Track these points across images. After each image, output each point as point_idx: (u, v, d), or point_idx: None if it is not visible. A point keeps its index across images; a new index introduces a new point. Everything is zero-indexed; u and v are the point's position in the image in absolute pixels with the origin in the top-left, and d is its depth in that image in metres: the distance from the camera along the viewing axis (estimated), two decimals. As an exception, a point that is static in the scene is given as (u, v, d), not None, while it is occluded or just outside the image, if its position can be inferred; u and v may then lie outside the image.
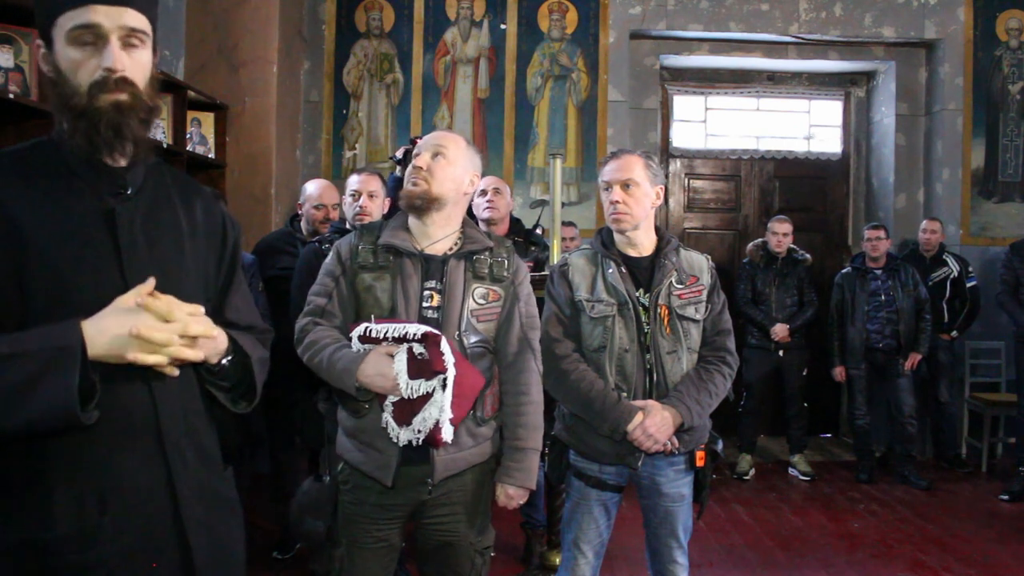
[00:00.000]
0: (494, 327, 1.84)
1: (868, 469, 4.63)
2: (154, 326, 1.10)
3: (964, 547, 3.57)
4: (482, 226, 3.31)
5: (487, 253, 1.86)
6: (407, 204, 1.83)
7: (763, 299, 4.67)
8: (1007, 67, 5.23)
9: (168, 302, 1.12)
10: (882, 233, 4.60)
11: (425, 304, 1.78)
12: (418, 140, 3.60)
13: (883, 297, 4.54)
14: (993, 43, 5.22)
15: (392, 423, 1.69)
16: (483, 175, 3.56)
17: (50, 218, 1.15)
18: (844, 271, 4.77)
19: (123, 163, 1.22)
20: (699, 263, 2.16)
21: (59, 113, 1.17)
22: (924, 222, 4.89)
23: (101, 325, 1.09)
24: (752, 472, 4.69)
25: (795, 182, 5.70)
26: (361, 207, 2.78)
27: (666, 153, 5.56)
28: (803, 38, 5.18)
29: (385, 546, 1.83)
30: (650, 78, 5.30)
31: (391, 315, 1.75)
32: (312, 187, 3.30)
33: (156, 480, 1.19)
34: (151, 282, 1.12)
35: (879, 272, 4.58)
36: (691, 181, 5.67)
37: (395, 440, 1.69)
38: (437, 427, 1.67)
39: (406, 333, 1.66)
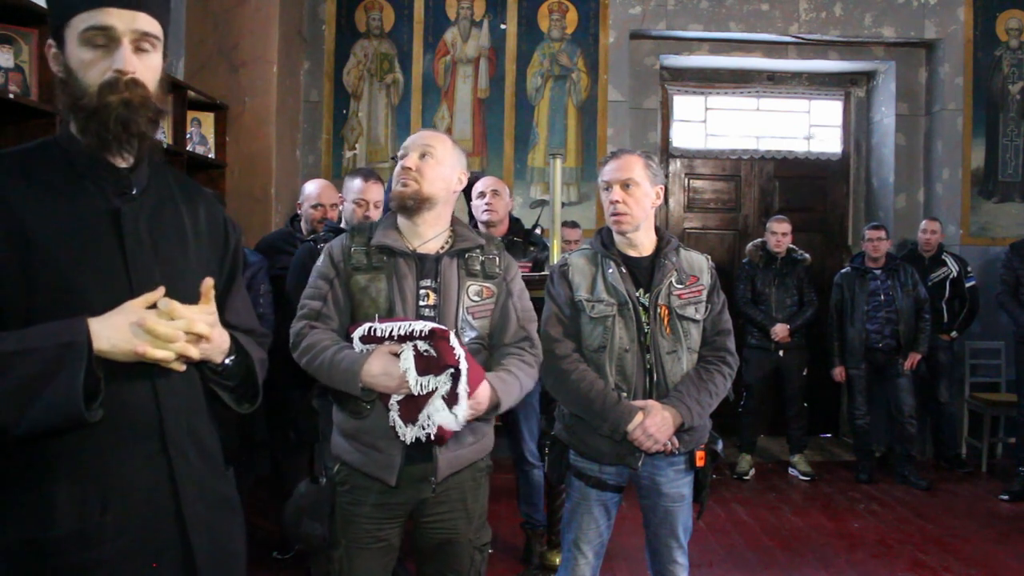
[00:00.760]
0: (488, 323, 1.86)
1: (868, 469, 4.63)
2: (160, 320, 1.11)
3: (964, 547, 3.57)
4: (482, 228, 3.31)
5: (478, 250, 1.88)
6: (398, 205, 1.83)
7: (763, 299, 4.67)
8: (1007, 67, 5.23)
9: (173, 301, 1.13)
10: (882, 233, 4.60)
11: (422, 303, 1.79)
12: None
13: (882, 297, 4.54)
14: (993, 43, 5.22)
15: (399, 422, 1.68)
16: (483, 175, 3.59)
17: (55, 218, 1.15)
18: (843, 271, 4.78)
19: (128, 164, 1.22)
20: (699, 263, 2.16)
21: (68, 113, 1.18)
22: (923, 222, 4.89)
23: (108, 322, 1.09)
24: (752, 472, 4.69)
25: (795, 182, 5.70)
26: (367, 217, 2.79)
27: (666, 153, 5.56)
28: (803, 38, 5.18)
29: (384, 546, 1.83)
30: (650, 78, 5.30)
31: (389, 315, 1.75)
32: (311, 187, 3.31)
33: (158, 479, 1.20)
34: (161, 290, 1.13)
35: (878, 272, 4.58)
36: (691, 181, 5.67)
37: (403, 439, 1.69)
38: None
39: (412, 330, 1.66)
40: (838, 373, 4.71)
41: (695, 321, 2.09)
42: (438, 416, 1.66)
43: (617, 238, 2.14)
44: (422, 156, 1.83)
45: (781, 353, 4.63)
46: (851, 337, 4.60)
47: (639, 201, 2.08)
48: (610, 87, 5.04)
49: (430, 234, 1.85)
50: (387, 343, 1.69)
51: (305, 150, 4.95)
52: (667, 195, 5.45)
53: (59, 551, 1.12)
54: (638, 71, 5.24)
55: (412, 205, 1.81)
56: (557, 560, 2.67)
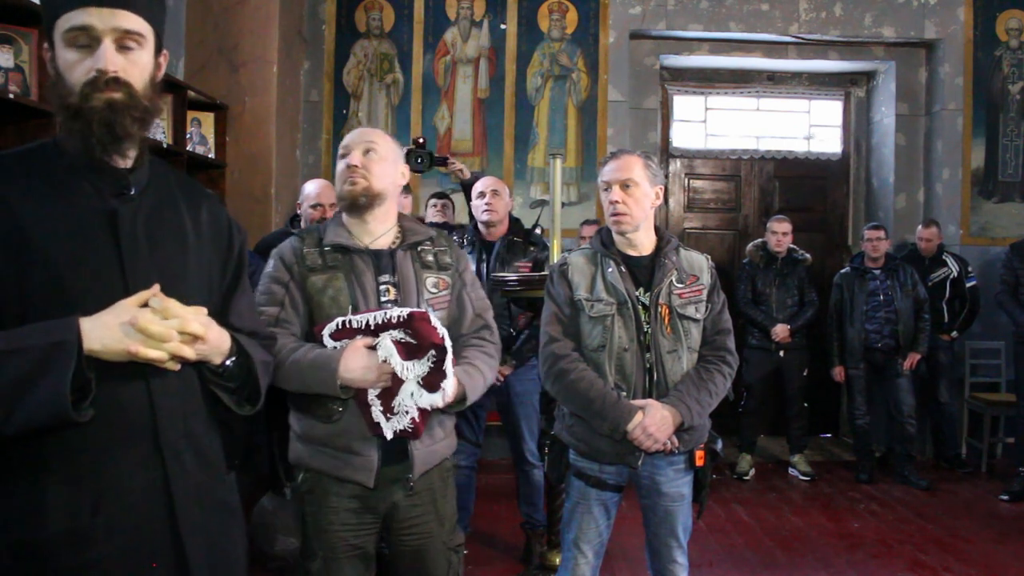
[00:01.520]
0: (447, 315, 1.85)
1: (868, 469, 4.63)
2: (153, 319, 1.10)
3: (964, 547, 3.57)
4: (482, 228, 3.32)
5: (429, 243, 1.88)
6: (349, 204, 1.81)
7: (763, 299, 4.67)
8: (1007, 67, 5.23)
9: (167, 300, 1.13)
10: (882, 233, 4.60)
11: (384, 299, 1.77)
12: (420, 141, 3.63)
13: (882, 297, 4.53)
14: (993, 43, 5.22)
15: (382, 417, 1.67)
16: (483, 175, 3.59)
17: (52, 218, 1.15)
18: (843, 271, 4.77)
19: (127, 164, 1.22)
20: (699, 263, 2.16)
21: (57, 113, 1.18)
22: (919, 229, 4.86)
23: (99, 321, 1.09)
24: (752, 472, 4.69)
25: (795, 182, 5.70)
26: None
27: (666, 153, 5.56)
28: (803, 38, 5.18)
29: (361, 554, 1.80)
30: (650, 78, 5.30)
31: (351, 313, 1.73)
32: (311, 187, 3.30)
33: (151, 482, 1.19)
34: (155, 288, 1.13)
35: (878, 272, 4.58)
36: (691, 181, 5.67)
37: (385, 434, 1.67)
38: (421, 411, 1.69)
39: (389, 318, 1.65)
40: (837, 373, 4.71)
41: (695, 320, 2.09)
42: (422, 400, 1.66)
43: (617, 238, 2.14)
44: (366, 152, 1.82)
45: (782, 353, 4.62)
46: (850, 337, 4.60)
47: (639, 201, 2.08)
48: (610, 87, 5.04)
49: (380, 230, 1.84)
50: (359, 337, 1.67)
51: (305, 150, 4.95)
52: (667, 195, 5.45)
53: (51, 552, 1.11)
54: (638, 71, 5.24)
55: (364, 202, 1.79)
56: (557, 560, 2.67)
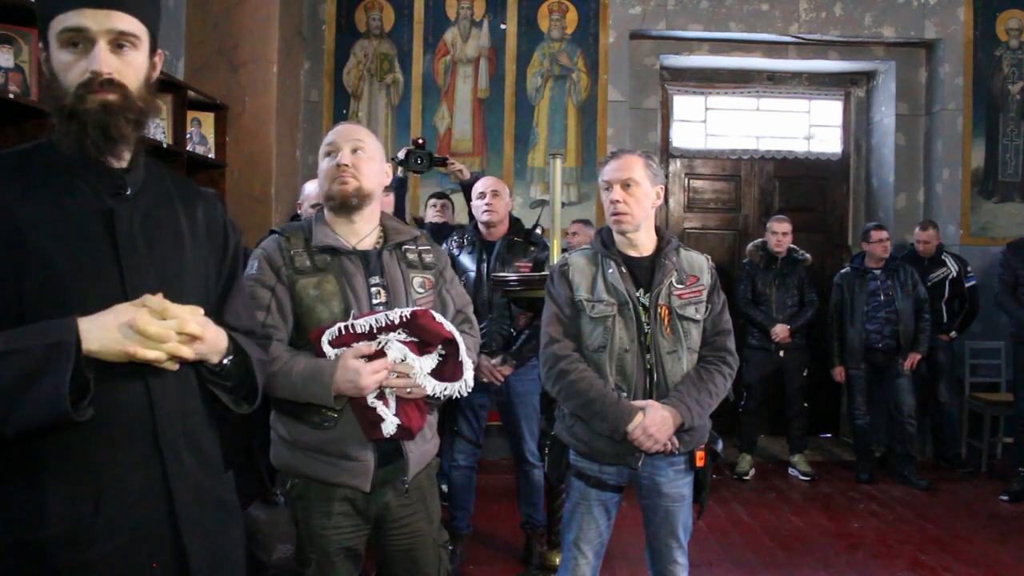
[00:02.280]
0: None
1: (868, 469, 4.63)
2: (151, 320, 1.10)
3: (964, 547, 3.57)
4: (482, 228, 3.32)
5: (413, 242, 1.86)
6: (340, 204, 1.76)
7: (763, 299, 4.67)
8: (1007, 67, 5.23)
9: (165, 301, 1.13)
10: (886, 234, 4.60)
11: (375, 301, 1.73)
12: (420, 142, 3.62)
13: (882, 297, 4.53)
14: (993, 43, 5.22)
15: (388, 413, 1.66)
16: (483, 175, 3.59)
17: (49, 218, 1.15)
18: (843, 271, 4.77)
19: (123, 164, 1.22)
20: (699, 263, 2.16)
21: (52, 115, 1.18)
22: (917, 231, 4.84)
23: (98, 321, 1.09)
24: (752, 472, 4.69)
25: (795, 182, 5.70)
26: None
27: (666, 153, 5.56)
28: (803, 38, 5.18)
29: (354, 555, 1.80)
30: (650, 78, 5.30)
31: (345, 317, 1.69)
32: (311, 187, 3.29)
33: (151, 481, 1.19)
34: (158, 296, 1.13)
35: (878, 272, 4.57)
36: (691, 181, 5.67)
37: (388, 432, 1.66)
38: (414, 409, 1.69)
39: (392, 320, 1.63)
40: (838, 373, 4.70)
41: (695, 321, 2.09)
42: (446, 390, 1.67)
43: (617, 238, 2.14)
44: (354, 151, 1.78)
45: (782, 353, 4.62)
46: (851, 337, 4.60)
47: (639, 201, 2.08)
48: (610, 87, 5.04)
49: (366, 230, 1.81)
50: (362, 343, 1.64)
51: (305, 150, 4.95)
52: (667, 195, 5.44)
53: (51, 552, 1.11)
54: (638, 71, 5.24)
55: (355, 203, 1.76)
56: (557, 560, 2.67)
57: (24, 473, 1.13)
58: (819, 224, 5.72)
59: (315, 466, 1.72)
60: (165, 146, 3.54)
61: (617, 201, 2.07)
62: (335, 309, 1.70)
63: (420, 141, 3.63)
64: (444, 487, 3.44)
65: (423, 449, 1.80)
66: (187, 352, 1.14)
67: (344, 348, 1.64)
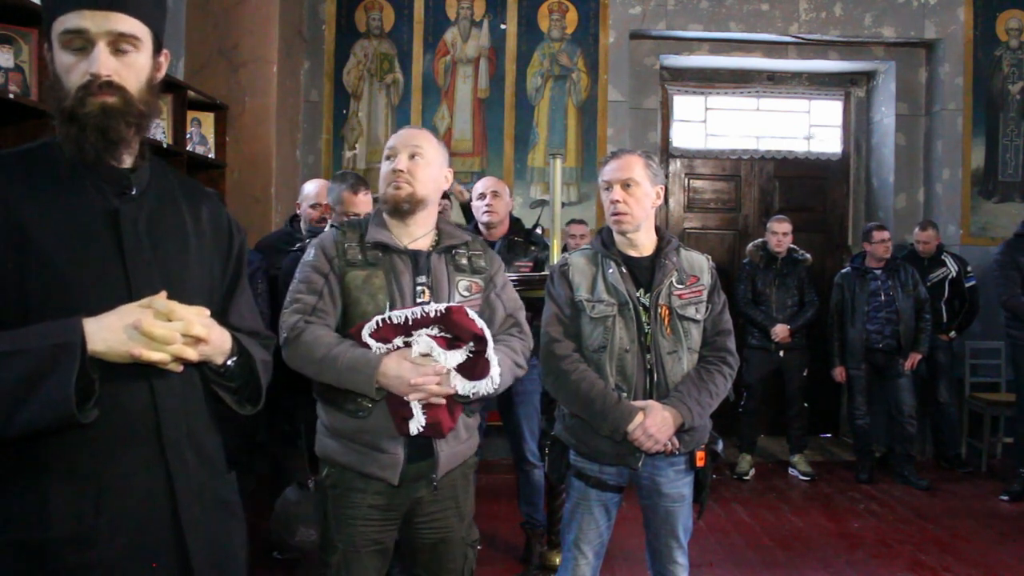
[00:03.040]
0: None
1: (868, 469, 4.63)
2: (156, 322, 1.10)
3: (964, 547, 3.57)
4: (482, 228, 3.32)
5: (464, 247, 1.89)
6: (392, 208, 1.82)
7: (763, 299, 4.67)
8: (1007, 67, 5.23)
9: (170, 303, 1.13)
10: (888, 234, 4.59)
11: (419, 300, 1.78)
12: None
13: (883, 297, 4.52)
14: (993, 43, 5.22)
15: (418, 411, 1.68)
16: (482, 175, 3.59)
17: (53, 217, 1.15)
18: (843, 271, 4.76)
19: (128, 164, 1.22)
20: (699, 263, 2.16)
21: (54, 116, 1.18)
22: (916, 231, 4.84)
23: (103, 322, 1.09)
24: (752, 472, 4.69)
25: (795, 182, 5.70)
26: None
27: (666, 153, 5.56)
28: (803, 38, 5.18)
29: (381, 548, 1.82)
30: (650, 78, 5.30)
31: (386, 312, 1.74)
32: (310, 187, 3.31)
33: (155, 481, 1.19)
34: (163, 294, 1.13)
35: (879, 272, 4.56)
36: (691, 181, 5.67)
37: (414, 431, 1.68)
38: (444, 409, 1.70)
39: (427, 313, 1.67)
40: (838, 373, 4.70)
41: (695, 321, 2.09)
42: (473, 388, 1.68)
43: (617, 238, 2.14)
44: (412, 157, 1.82)
45: (782, 353, 4.62)
46: (851, 337, 4.59)
47: (639, 201, 2.08)
48: (610, 87, 5.04)
49: (420, 232, 1.86)
50: (399, 339, 1.68)
51: (305, 150, 4.95)
52: (667, 195, 5.44)
53: (54, 553, 1.11)
54: (638, 71, 5.24)
55: (407, 208, 1.81)
56: (557, 560, 2.67)
57: (27, 473, 1.12)
58: (819, 224, 5.72)
59: (349, 455, 1.76)
60: (165, 146, 3.54)
61: (617, 201, 2.07)
62: (379, 303, 1.75)
63: None
64: None
65: (455, 449, 1.81)
66: (192, 354, 1.14)
67: (384, 342, 1.68)
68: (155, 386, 1.18)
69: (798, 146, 5.72)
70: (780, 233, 4.63)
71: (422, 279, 1.80)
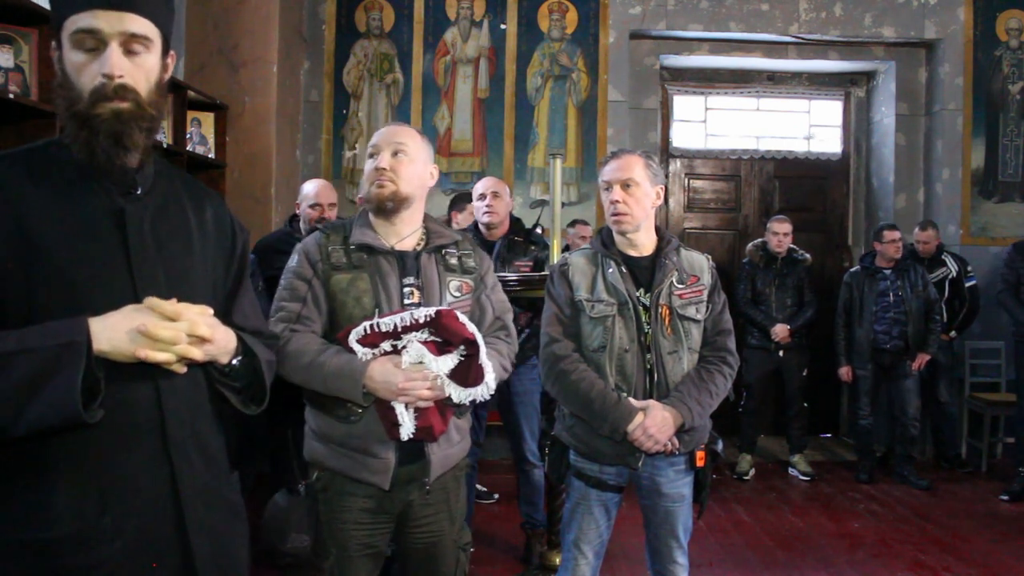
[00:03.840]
0: (468, 318, 1.84)
1: (868, 469, 4.62)
2: (160, 323, 1.10)
3: (964, 547, 3.57)
4: (483, 228, 3.31)
5: (455, 246, 1.87)
6: (376, 207, 1.79)
7: (763, 299, 4.66)
8: (1007, 67, 5.23)
9: (175, 304, 1.13)
10: (899, 235, 4.53)
11: (407, 301, 1.76)
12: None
13: (891, 298, 4.49)
14: (993, 43, 5.22)
15: (406, 416, 1.67)
16: (483, 175, 3.59)
17: (59, 217, 1.15)
18: (853, 270, 4.72)
19: (133, 163, 1.22)
20: (699, 263, 2.15)
21: (63, 117, 1.18)
22: (917, 231, 4.82)
23: (108, 322, 1.09)
24: (752, 472, 4.69)
25: (795, 182, 5.70)
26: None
27: (666, 153, 5.56)
28: (803, 38, 5.18)
29: (374, 552, 1.81)
30: (650, 78, 5.30)
31: (373, 315, 1.71)
32: (309, 187, 3.31)
33: (159, 481, 1.19)
34: (172, 302, 1.13)
35: (888, 272, 4.52)
36: (691, 181, 5.67)
37: (401, 437, 1.67)
38: (435, 413, 1.69)
39: (417, 319, 1.65)
40: (845, 373, 4.65)
41: (696, 321, 2.09)
42: (465, 395, 1.67)
43: (617, 238, 2.14)
44: (395, 154, 1.79)
45: (781, 353, 4.62)
46: (859, 337, 4.56)
47: (639, 201, 2.08)
48: (610, 87, 5.04)
49: (406, 231, 1.83)
50: (387, 343, 1.66)
51: (305, 150, 4.95)
52: (667, 195, 5.44)
53: (58, 552, 1.11)
54: (638, 71, 5.24)
55: (391, 207, 1.78)
56: (557, 560, 2.67)
57: (31, 473, 1.12)
58: (819, 224, 5.72)
59: (339, 460, 1.74)
60: (165, 146, 3.54)
61: (617, 201, 2.07)
62: (366, 306, 1.72)
63: None
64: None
65: (447, 452, 1.80)
66: (197, 354, 1.14)
67: (368, 349, 1.66)
68: (160, 386, 1.18)
69: (798, 146, 5.72)
70: (781, 233, 4.63)
71: (409, 280, 1.77)
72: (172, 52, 1.27)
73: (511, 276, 2.85)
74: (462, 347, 1.67)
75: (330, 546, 1.76)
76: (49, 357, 1.04)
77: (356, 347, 1.67)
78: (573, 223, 4.62)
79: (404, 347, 1.66)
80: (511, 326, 1.95)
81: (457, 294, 1.82)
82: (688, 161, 5.65)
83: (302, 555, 1.75)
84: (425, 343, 1.66)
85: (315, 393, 1.73)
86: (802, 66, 5.52)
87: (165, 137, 3.62)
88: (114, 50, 1.15)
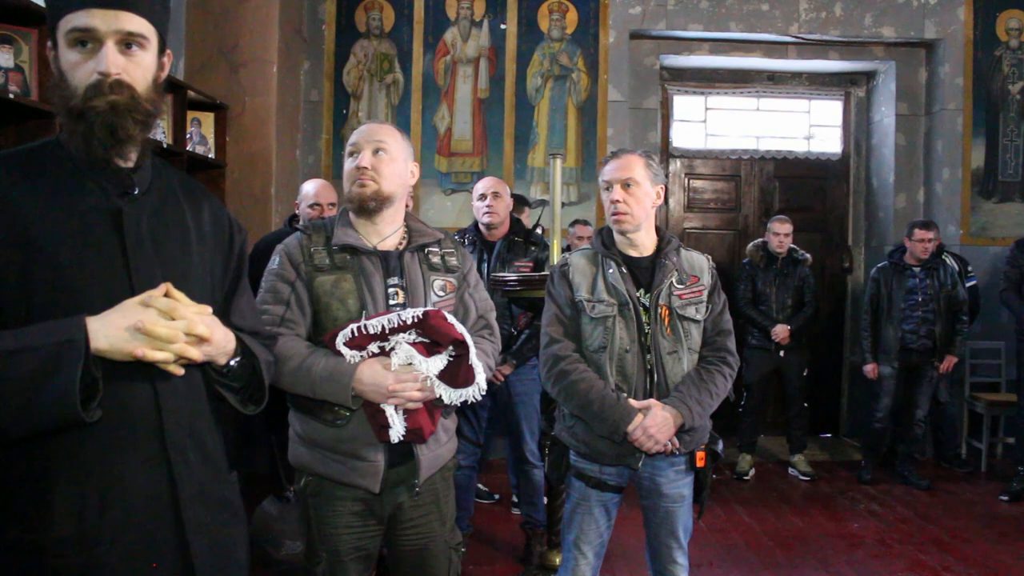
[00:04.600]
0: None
1: (872, 470, 4.61)
2: (159, 321, 1.10)
3: (964, 547, 3.57)
4: (483, 229, 3.31)
5: (437, 245, 1.86)
6: (358, 207, 1.77)
7: (763, 299, 4.66)
8: (1007, 67, 5.23)
9: (173, 302, 1.12)
10: (934, 233, 4.37)
11: (392, 302, 1.74)
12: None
13: (920, 296, 4.39)
14: (993, 43, 5.21)
15: (396, 418, 1.66)
16: (483, 175, 3.58)
17: (56, 217, 1.15)
18: (880, 265, 4.59)
19: (131, 163, 1.22)
20: (700, 263, 2.15)
21: (59, 115, 1.18)
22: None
23: (106, 320, 1.09)
24: (752, 472, 4.69)
25: (795, 182, 5.70)
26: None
27: (666, 153, 5.56)
28: (803, 38, 5.18)
29: (365, 555, 1.80)
30: (650, 78, 5.30)
31: (359, 316, 1.70)
32: (308, 186, 3.31)
33: (157, 482, 1.19)
34: (163, 287, 1.13)
35: (917, 270, 4.41)
36: (691, 181, 5.67)
37: (395, 439, 1.66)
38: (424, 414, 1.68)
39: (404, 320, 1.63)
40: (871, 370, 4.52)
41: (695, 321, 2.09)
42: (455, 396, 1.67)
43: (618, 238, 2.14)
44: (375, 152, 1.77)
45: (782, 353, 4.62)
46: (886, 335, 4.45)
47: (640, 201, 2.07)
48: (610, 87, 5.04)
49: (388, 231, 1.81)
50: (374, 345, 1.65)
51: (305, 150, 4.95)
52: (667, 195, 5.44)
53: (57, 552, 1.11)
54: (638, 71, 5.24)
55: (373, 206, 1.76)
56: (557, 560, 2.67)
57: (30, 474, 1.12)
58: (819, 224, 5.71)
59: (328, 464, 1.72)
60: (165, 146, 3.54)
61: (617, 201, 2.07)
62: (351, 307, 1.70)
63: None
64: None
65: (436, 452, 1.80)
66: (195, 353, 1.14)
67: (359, 349, 1.64)
68: (158, 387, 1.18)
69: (798, 146, 5.72)
70: (782, 234, 4.62)
71: (394, 280, 1.75)
72: (168, 51, 1.27)
73: (511, 276, 2.85)
74: (451, 347, 1.66)
75: (320, 550, 1.75)
76: (47, 356, 1.04)
77: (343, 350, 1.64)
78: (574, 223, 4.62)
79: (392, 349, 1.65)
80: (494, 324, 1.95)
81: (441, 293, 1.80)
82: (688, 161, 5.65)
83: (296, 562, 1.75)
84: (413, 344, 1.65)
85: (300, 397, 1.70)
86: (802, 66, 5.51)
87: (165, 137, 3.62)
88: (110, 48, 1.15)
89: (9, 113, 2.63)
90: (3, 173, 1.16)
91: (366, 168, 1.75)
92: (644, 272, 2.10)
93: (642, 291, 2.07)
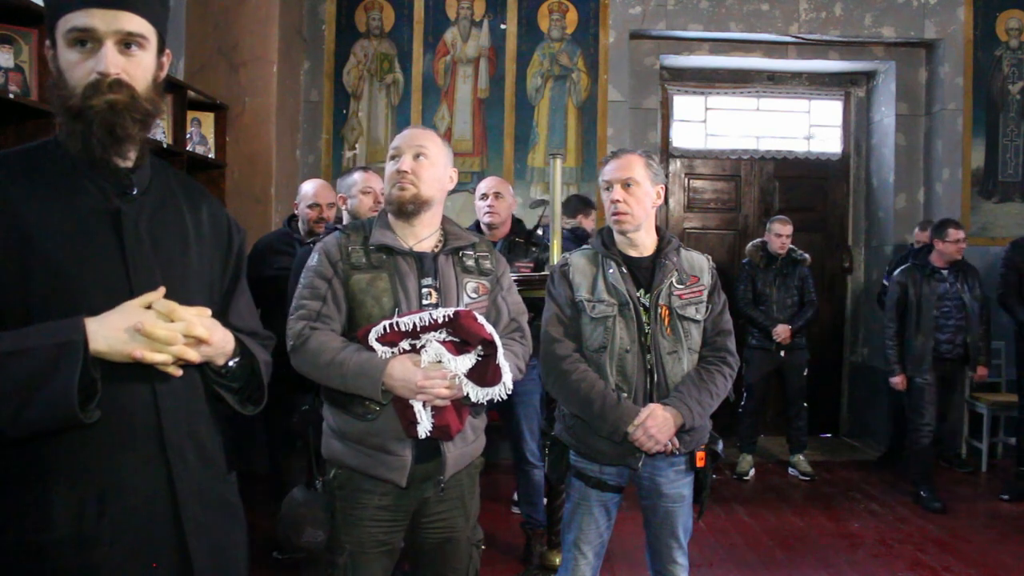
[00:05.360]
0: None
1: (935, 492, 4.10)
2: (158, 323, 1.10)
3: (964, 547, 3.56)
4: (484, 230, 3.31)
5: (472, 248, 1.89)
6: (397, 209, 1.81)
7: (763, 299, 4.66)
8: (1007, 67, 5.23)
9: (172, 303, 1.12)
10: (963, 234, 4.11)
11: (425, 302, 1.77)
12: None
13: (952, 303, 4.10)
14: (993, 43, 5.22)
15: (424, 414, 1.68)
16: (483, 175, 3.58)
17: (55, 217, 1.15)
18: (905, 267, 4.23)
19: (129, 163, 1.22)
20: (700, 263, 2.15)
21: (57, 114, 1.18)
22: (917, 231, 4.79)
23: (105, 321, 1.09)
24: (752, 472, 4.69)
25: (795, 182, 5.70)
26: (379, 203, 2.78)
27: (666, 153, 5.56)
28: (803, 38, 5.18)
29: (388, 549, 1.82)
30: (650, 78, 5.30)
31: (392, 315, 1.74)
32: (308, 186, 3.31)
33: (156, 482, 1.19)
34: (161, 290, 1.13)
35: (946, 273, 4.11)
36: (691, 181, 5.67)
37: (422, 435, 1.68)
38: (451, 412, 1.70)
39: (436, 319, 1.66)
40: (900, 382, 4.18)
41: (695, 321, 2.09)
42: (482, 394, 1.69)
43: (618, 238, 2.14)
44: (416, 157, 1.81)
45: (782, 353, 4.62)
46: (917, 344, 4.09)
47: (640, 201, 2.07)
48: (610, 87, 5.04)
49: (425, 233, 1.85)
50: (405, 342, 1.68)
51: (305, 150, 4.95)
52: (667, 195, 5.44)
53: (56, 553, 1.11)
54: (638, 71, 5.24)
55: (412, 209, 1.80)
56: (557, 560, 2.67)
57: (29, 475, 1.12)
58: (819, 224, 5.72)
59: (356, 457, 1.76)
60: (165, 146, 3.54)
61: (617, 201, 2.07)
62: (384, 305, 1.74)
63: None
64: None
65: (463, 450, 1.82)
66: (193, 355, 1.14)
67: (387, 348, 1.68)
68: (157, 387, 1.18)
69: (798, 146, 5.72)
70: (784, 235, 4.62)
71: (428, 281, 1.79)
72: (168, 51, 1.27)
73: (511, 276, 2.85)
74: (480, 347, 1.68)
75: (344, 542, 1.78)
76: (46, 357, 1.04)
77: (375, 345, 1.68)
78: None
79: (423, 346, 1.68)
80: (526, 328, 1.96)
81: (474, 295, 1.84)
82: (688, 161, 5.65)
83: (315, 550, 1.78)
84: (443, 343, 1.68)
85: (333, 391, 1.75)
86: (802, 66, 5.52)
87: (165, 137, 3.62)
88: (110, 48, 1.15)
89: (9, 113, 2.63)
90: (2, 173, 1.16)
91: (406, 172, 1.79)
92: (644, 272, 2.10)
93: (642, 291, 2.07)
